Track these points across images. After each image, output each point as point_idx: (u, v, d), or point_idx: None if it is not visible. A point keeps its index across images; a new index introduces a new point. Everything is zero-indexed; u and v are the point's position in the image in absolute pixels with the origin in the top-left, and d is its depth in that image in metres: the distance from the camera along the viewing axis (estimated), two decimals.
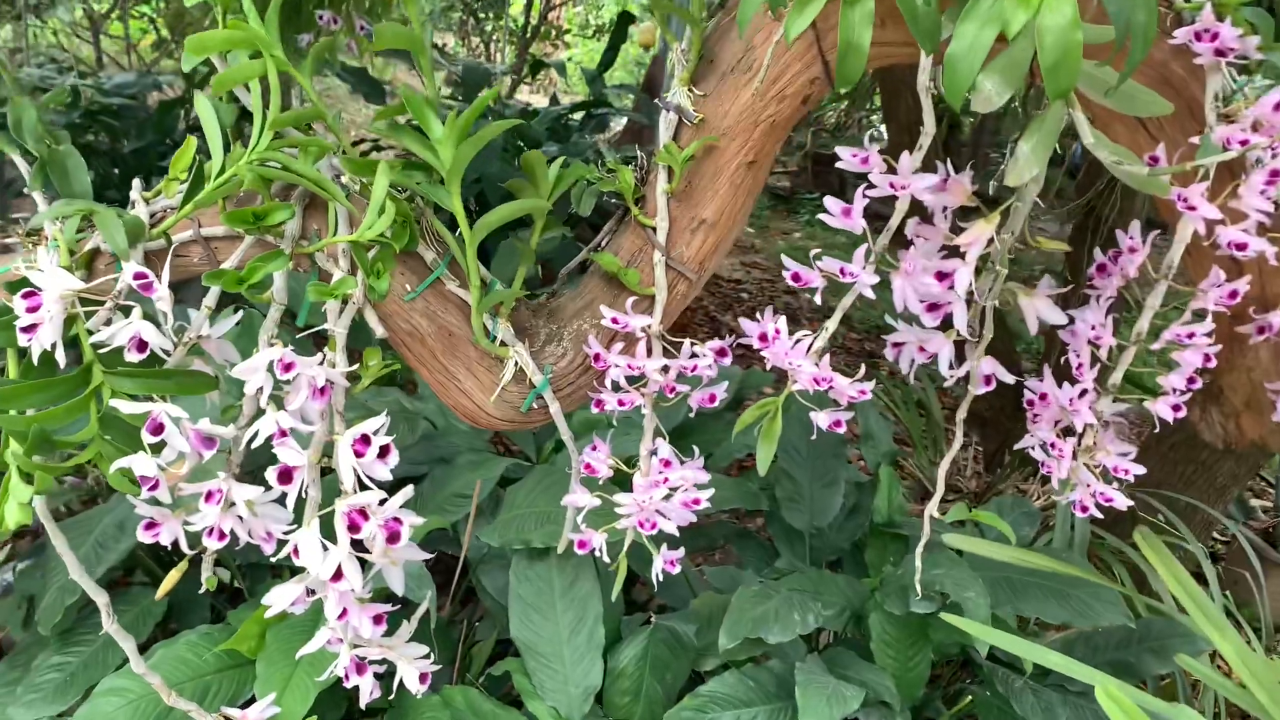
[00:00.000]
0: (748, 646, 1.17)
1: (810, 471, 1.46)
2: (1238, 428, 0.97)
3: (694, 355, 0.83)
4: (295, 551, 0.76)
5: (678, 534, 0.84)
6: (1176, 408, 0.83)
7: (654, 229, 0.84)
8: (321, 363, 0.75)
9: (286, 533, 0.78)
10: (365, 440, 0.75)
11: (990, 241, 0.76)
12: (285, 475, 0.76)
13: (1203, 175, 0.74)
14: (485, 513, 1.31)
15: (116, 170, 2.70)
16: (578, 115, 3.43)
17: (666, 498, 0.83)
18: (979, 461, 2.37)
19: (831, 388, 0.77)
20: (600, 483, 0.86)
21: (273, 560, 0.87)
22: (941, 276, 0.77)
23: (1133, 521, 2.08)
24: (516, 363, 0.83)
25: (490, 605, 1.33)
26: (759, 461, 0.80)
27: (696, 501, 0.84)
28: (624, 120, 4.82)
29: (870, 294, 0.76)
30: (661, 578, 0.86)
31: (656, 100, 0.84)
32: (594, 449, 0.87)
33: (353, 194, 0.82)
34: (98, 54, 4.86)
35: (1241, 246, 0.74)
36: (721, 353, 0.84)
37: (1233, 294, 0.77)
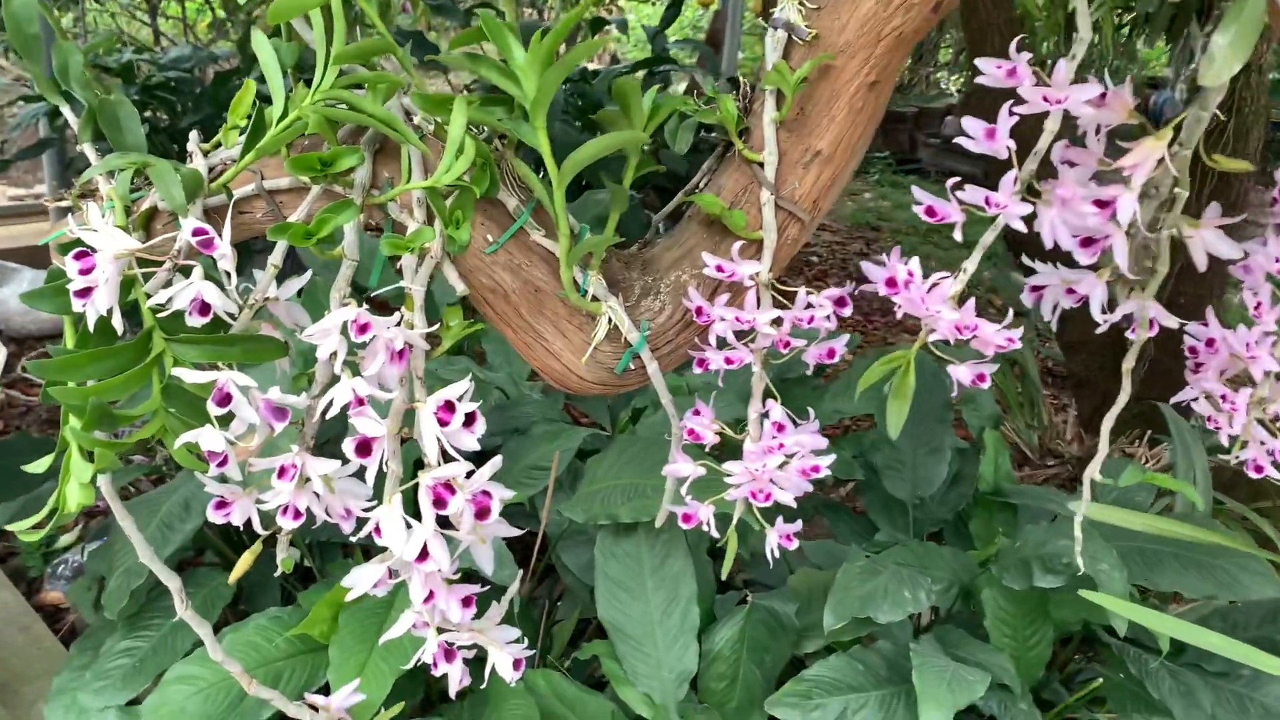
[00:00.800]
0: (854, 627, 1.09)
1: (913, 437, 1.36)
2: None
3: (809, 305, 0.75)
4: (377, 530, 0.70)
5: (794, 505, 0.76)
6: None
7: (760, 164, 0.75)
8: (399, 324, 0.68)
9: (366, 510, 0.72)
10: (450, 407, 0.69)
11: (1160, 163, 0.66)
12: (364, 447, 0.69)
13: None
14: (564, 486, 1.24)
15: (175, 146, 2.67)
16: (640, 74, 3.33)
17: (782, 465, 0.75)
18: (1079, 424, 2.24)
19: (976, 336, 0.68)
20: (706, 449, 0.78)
21: (351, 539, 0.81)
22: (1101, 205, 0.67)
23: (1250, 484, 1.94)
24: (610, 319, 0.75)
25: (571, 583, 1.27)
26: (890, 425, 0.71)
27: (816, 469, 0.76)
28: (686, 79, 4.70)
29: (1021, 225, 0.67)
30: (777, 553, 0.78)
31: (760, 19, 0.75)
32: (696, 413, 0.79)
33: (427, 135, 0.75)
34: (155, 35, 4.88)
35: None
36: (841, 302, 0.75)
37: None
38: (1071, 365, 2.47)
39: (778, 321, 0.74)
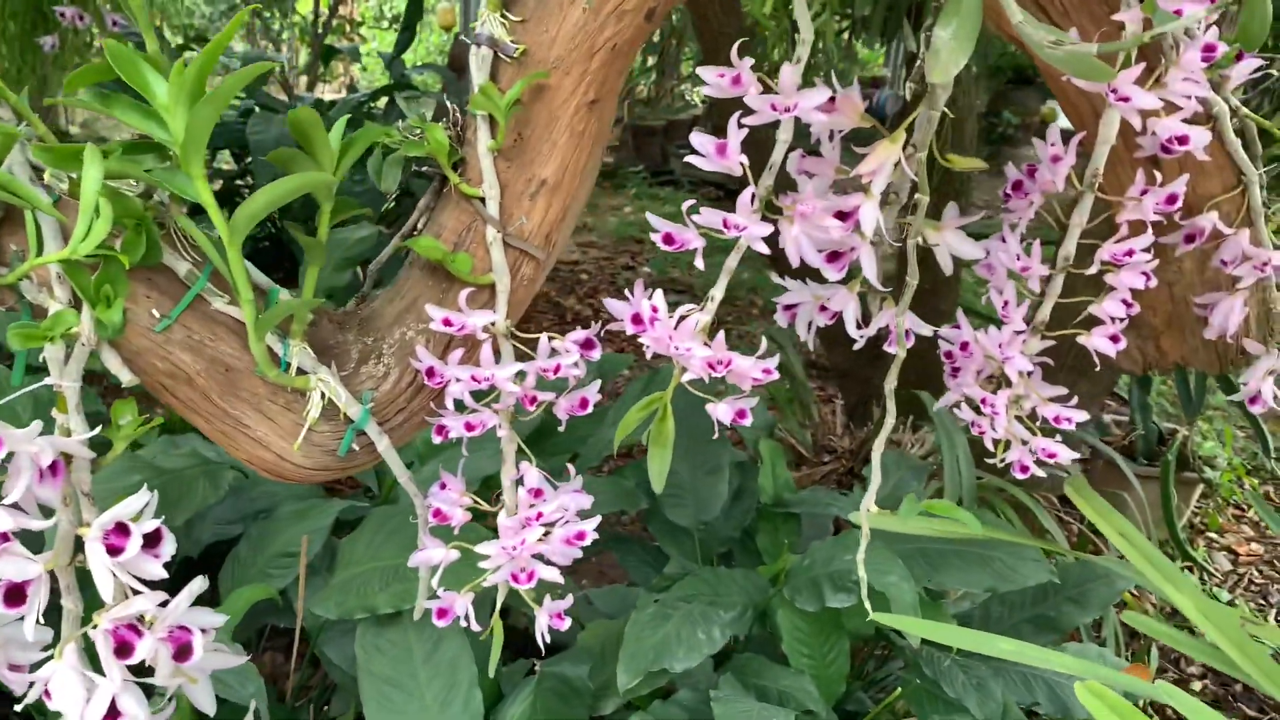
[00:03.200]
0: (651, 679, 1.02)
1: (690, 460, 1.32)
2: (1157, 349, 0.88)
3: (554, 353, 0.66)
4: (46, 693, 0.56)
5: (562, 579, 0.68)
6: (1114, 338, 0.73)
7: (482, 199, 0.67)
8: (43, 431, 0.55)
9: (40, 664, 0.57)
10: (122, 530, 0.55)
11: (898, 166, 0.62)
12: (14, 594, 0.55)
13: (1124, 61, 0.63)
14: (320, 571, 1.10)
15: None
16: (380, 102, 3.16)
17: (544, 536, 0.66)
18: (846, 414, 2.30)
19: (731, 370, 0.62)
20: (456, 530, 0.68)
21: (20, 706, 0.65)
22: (843, 217, 0.63)
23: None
24: (323, 394, 0.64)
25: (340, 678, 1.13)
26: (653, 475, 0.64)
27: (581, 536, 0.68)
28: (433, 105, 4.56)
29: (764, 247, 0.61)
30: (548, 637, 0.69)
31: (463, 36, 0.66)
32: (442, 487, 0.69)
33: (64, 198, 0.61)
34: None
35: (1182, 140, 0.63)
36: (588, 345, 0.68)
37: (1171, 198, 0.67)
38: (832, 358, 2.55)
39: (520, 376, 0.65)
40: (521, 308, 0.71)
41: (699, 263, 0.62)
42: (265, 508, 1.20)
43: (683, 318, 0.62)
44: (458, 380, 0.64)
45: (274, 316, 0.59)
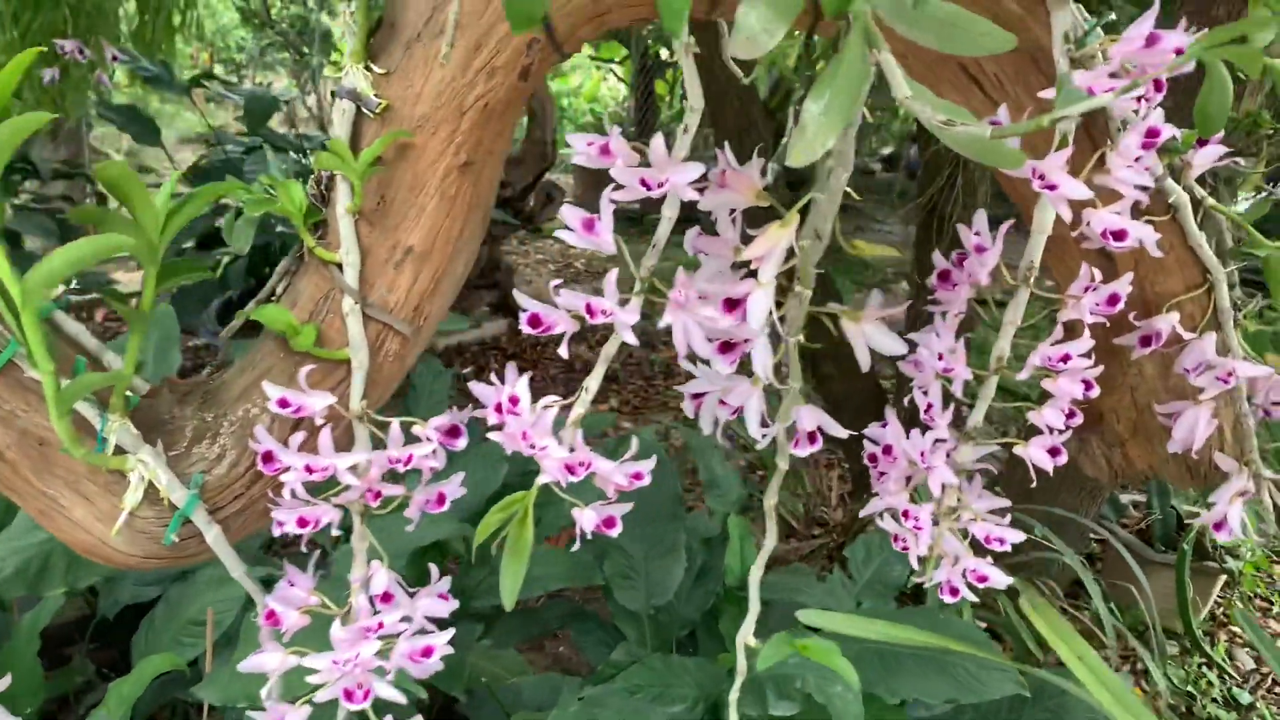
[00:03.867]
0: None
1: (643, 540, 1.23)
2: (1125, 458, 0.79)
3: (410, 440, 0.59)
4: None
5: (404, 699, 0.60)
6: (1054, 450, 0.65)
7: (340, 265, 0.60)
8: None
9: None
10: None
11: (792, 253, 0.55)
12: None
13: (1060, 143, 0.55)
14: (232, 645, 1.03)
15: None
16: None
17: (384, 652, 0.59)
18: (846, 482, 2.20)
19: (592, 472, 0.55)
20: (286, 636, 0.61)
21: None
22: (731, 306, 0.56)
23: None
24: (144, 476, 0.57)
25: None
26: (504, 591, 0.56)
27: (429, 651, 0.60)
28: None
29: (632, 339, 0.54)
30: None
31: (331, 89, 0.60)
32: (290, 585, 0.62)
33: None
34: None
35: (1119, 235, 0.55)
36: (453, 432, 0.61)
37: (1112, 299, 0.59)
38: (840, 420, 2.45)
39: (355, 468, 0.58)
40: (388, 387, 0.64)
41: (562, 351, 0.55)
42: (187, 570, 1.14)
43: (546, 407, 0.55)
44: (293, 469, 0.57)
45: (77, 390, 0.53)
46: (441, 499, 0.61)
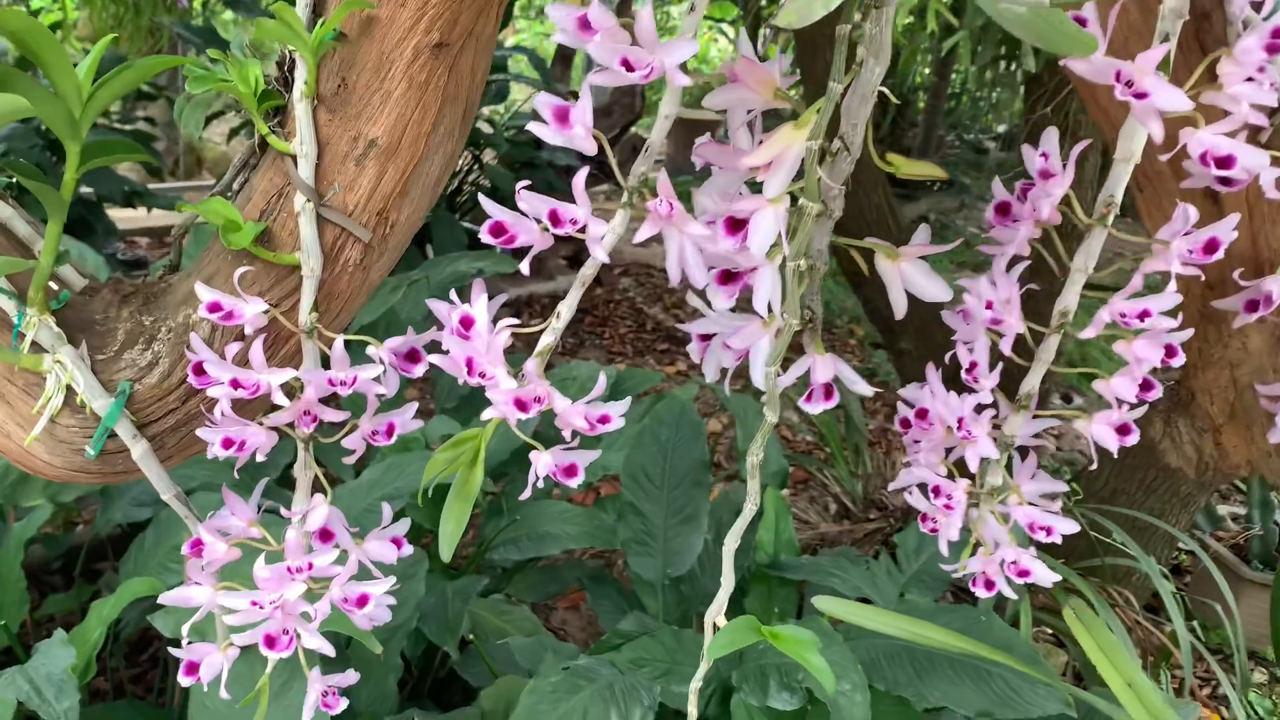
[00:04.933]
0: None
1: (665, 504, 1.15)
2: (1217, 448, 0.68)
3: (361, 361, 0.52)
4: None
5: (332, 650, 0.53)
6: (1124, 429, 0.54)
7: (294, 158, 0.53)
8: None
9: None
10: None
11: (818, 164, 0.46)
12: None
13: (1159, 42, 0.44)
14: None
15: None
16: None
17: (311, 594, 0.53)
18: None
19: (553, 413, 0.47)
20: (210, 569, 0.55)
21: None
22: (734, 227, 0.47)
23: (1084, 539, 1.81)
24: (63, 380, 0.52)
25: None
26: (442, 538, 0.49)
27: (364, 600, 0.53)
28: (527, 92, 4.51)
29: (604, 255, 0.46)
30: None
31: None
32: (230, 514, 0.56)
33: None
34: None
35: (1225, 163, 0.45)
36: (411, 356, 0.54)
37: (1211, 245, 0.48)
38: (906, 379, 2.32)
39: (295, 386, 0.51)
40: (351, 301, 0.57)
41: (524, 266, 0.47)
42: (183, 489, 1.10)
43: (498, 331, 0.47)
44: (220, 383, 0.51)
45: None
46: (390, 430, 0.54)
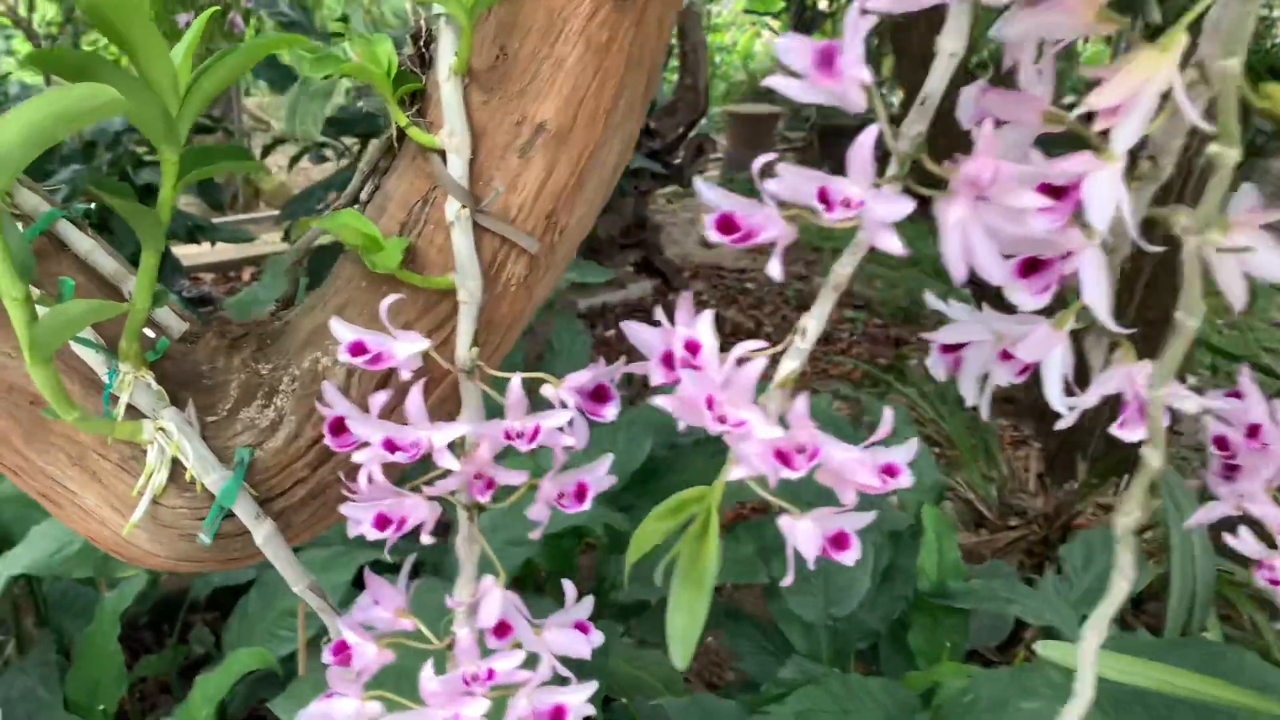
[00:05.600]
0: None
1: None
2: None
3: (535, 405, 0.41)
4: None
5: None
6: None
7: (441, 154, 0.42)
8: None
9: None
10: None
11: (1166, 100, 0.33)
12: None
13: None
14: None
15: None
16: None
17: (493, 712, 0.41)
18: (1043, 462, 1.93)
19: (820, 465, 0.35)
20: (361, 676, 0.44)
21: None
22: (1053, 194, 0.34)
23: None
24: (168, 452, 0.41)
25: None
26: (673, 644, 0.38)
27: (561, 712, 0.42)
28: None
29: (894, 245, 0.34)
30: None
31: None
32: (373, 602, 0.45)
33: None
34: None
35: None
36: (600, 395, 0.42)
37: None
38: (1026, 392, 2.17)
39: (462, 445, 0.40)
40: (511, 329, 0.46)
41: (774, 268, 0.35)
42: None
43: (742, 359, 0.35)
44: (368, 444, 0.40)
45: (60, 324, 0.36)
46: (582, 492, 0.42)
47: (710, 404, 0.34)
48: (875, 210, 0.33)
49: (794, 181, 0.33)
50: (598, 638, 0.45)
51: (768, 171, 0.35)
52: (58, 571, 0.88)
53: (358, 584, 1.00)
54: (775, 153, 0.36)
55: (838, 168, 0.37)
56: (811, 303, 0.39)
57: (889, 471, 0.35)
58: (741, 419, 0.34)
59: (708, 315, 0.37)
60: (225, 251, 3.91)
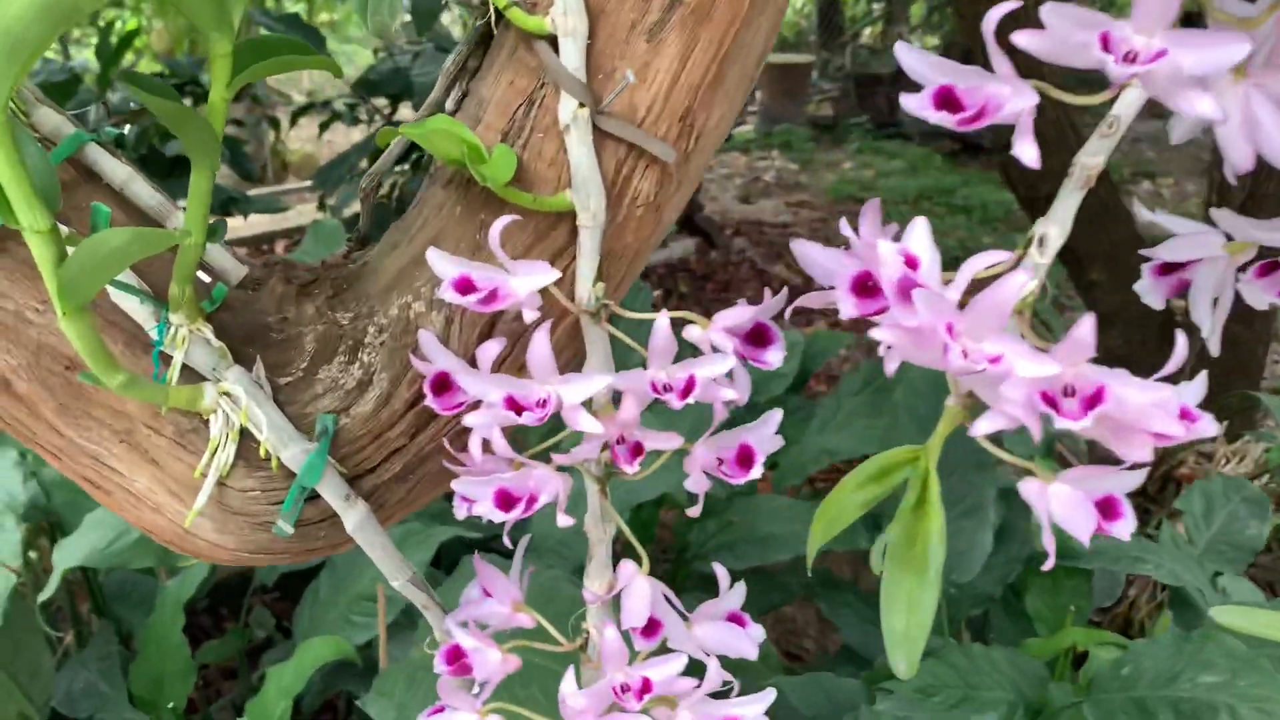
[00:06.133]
0: None
1: (943, 492, 0.94)
2: None
3: (681, 351, 0.33)
4: None
5: None
6: None
7: (550, 38, 0.34)
8: None
9: None
10: None
11: None
12: None
13: None
14: (409, 627, 0.82)
15: None
16: None
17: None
18: None
19: (1099, 407, 0.27)
20: (482, 684, 0.36)
21: None
22: None
23: None
24: (230, 420, 0.33)
25: None
26: (892, 652, 0.30)
27: None
28: None
29: (1210, 109, 0.25)
30: None
31: None
32: (484, 594, 0.38)
33: None
34: None
35: None
36: (759, 335, 0.34)
37: None
38: (1108, 340, 2.05)
39: (614, 400, 0.32)
40: (635, 262, 0.38)
41: (1026, 152, 0.27)
42: None
43: (979, 285, 0.27)
44: (489, 404, 0.32)
45: (97, 261, 0.29)
46: (747, 456, 0.34)
47: (951, 332, 0.25)
48: (1181, 60, 0.24)
49: (1064, 29, 0.24)
50: (758, 632, 0.37)
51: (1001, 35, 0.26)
52: (115, 562, 0.83)
53: (436, 564, 0.93)
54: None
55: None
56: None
57: (1187, 416, 0.26)
58: (996, 352, 0.25)
59: (922, 222, 0.29)
60: (258, 225, 3.86)
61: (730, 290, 3.59)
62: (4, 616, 0.77)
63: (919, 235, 0.28)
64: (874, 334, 0.27)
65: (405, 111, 3.26)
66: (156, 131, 2.44)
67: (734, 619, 0.38)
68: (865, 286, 0.30)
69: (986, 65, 0.27)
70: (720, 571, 0.37)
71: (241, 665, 1.16)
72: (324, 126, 2.90)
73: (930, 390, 0.92)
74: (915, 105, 0.28)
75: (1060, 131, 2.08)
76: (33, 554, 0.99)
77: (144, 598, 0.99)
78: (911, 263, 0.28)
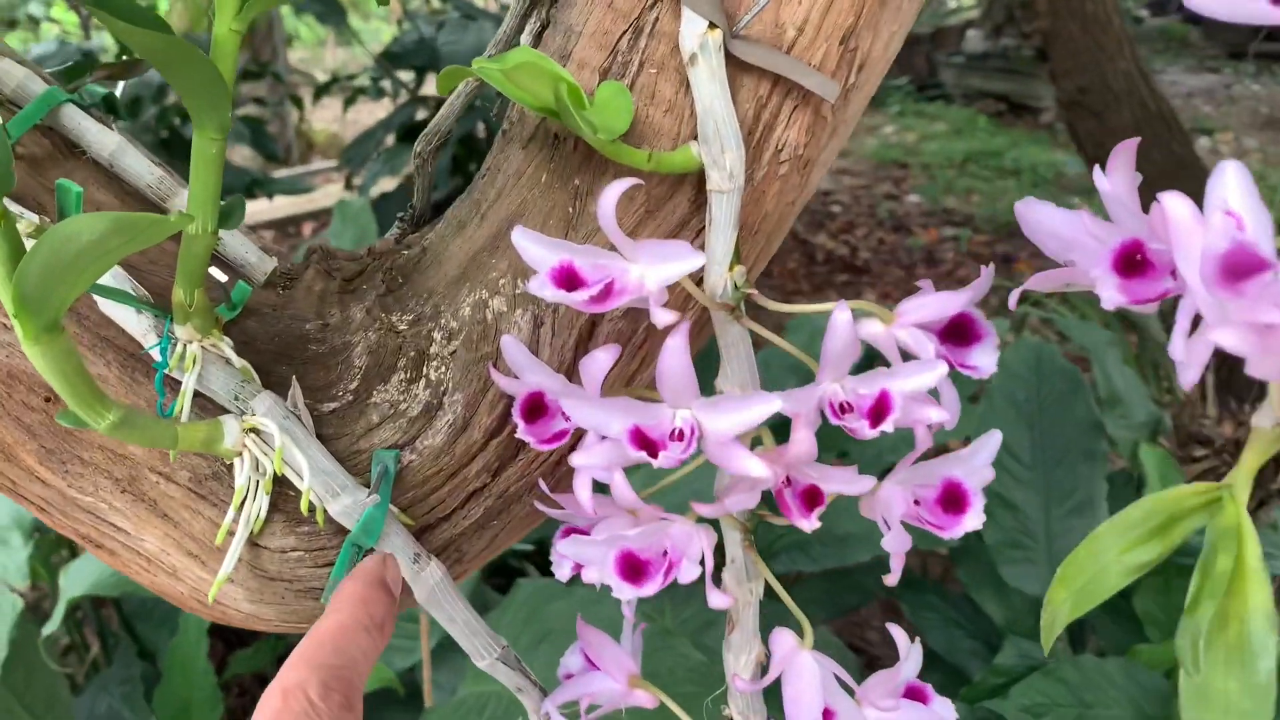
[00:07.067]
0: None
1: (1044, 490, 0.85)
2: None
3: (875, 363, 0.24)
4: None
5: None
6: None
7: None
8: None
9: None
10: None
11: None
12: None
13: None
14: (450, 654, 0.75)
15: None
16: None
17: None
18: (1218, 386, 1.71)
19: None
20: None
21: None
22: None
23: None
24: (267, 466, 0.25)
25: None
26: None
27: None
28: None
29: None
30: None
31: None
32: (586, 663, 0.30)
33: None
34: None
35: None
36: (964, 330, 0.26)
37: None
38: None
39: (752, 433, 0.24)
40: (774, 234, 0.30)
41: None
42: None
43: None
44: (600, 436, 0.23)
45: (66, 258, 0.21)
46: (956, 496, 0.25)
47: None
48: None
49: None
50: (949, 711, 0.29)
51: None
52: (126, 590, 0.76)
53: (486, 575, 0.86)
54: None
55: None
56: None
57: None
58: None
59: (1236, 166, 0.20)
60: (283, 207, 3.80)
61: (773, 260, 3.48)
62: (11, 645, 0.70)
63: (1235, 184, 0.20)
64: (1218, 339, 0.18)
65: (431, 87, 3.17)
66: (178, 111, 2.30)
67: (915, 694, 0.29)
68: (1134, 262, 0.21)
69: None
70: (897, 634, 0.29)
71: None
72: (349, 103, 2.82)
73: (1030, 374, 0.83)
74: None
75: (1130, 83, 1.97)
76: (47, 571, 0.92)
77: (167, 615, 0.93)
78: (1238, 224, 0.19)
